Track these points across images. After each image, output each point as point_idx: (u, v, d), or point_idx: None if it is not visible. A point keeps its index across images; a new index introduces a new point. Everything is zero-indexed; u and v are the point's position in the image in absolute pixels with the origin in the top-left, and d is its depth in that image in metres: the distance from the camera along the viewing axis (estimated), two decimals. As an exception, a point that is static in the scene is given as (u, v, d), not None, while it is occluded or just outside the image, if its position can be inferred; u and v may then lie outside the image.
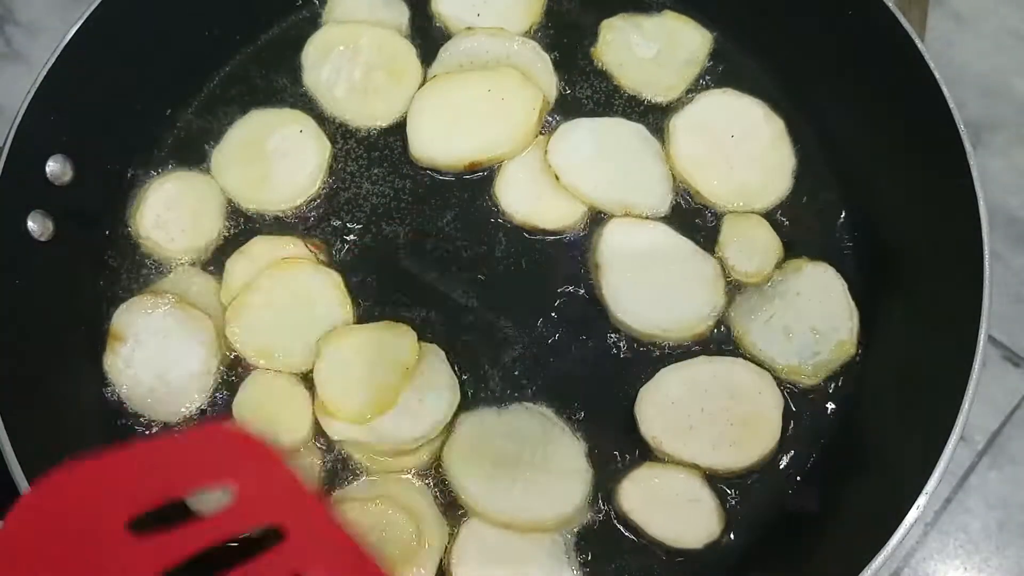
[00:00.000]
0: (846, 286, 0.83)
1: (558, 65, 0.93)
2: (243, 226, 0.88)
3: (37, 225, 0.80)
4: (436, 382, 0.80)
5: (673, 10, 0.95)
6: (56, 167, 0.82)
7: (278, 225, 0.88)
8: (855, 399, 0.81)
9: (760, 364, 0.81)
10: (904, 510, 0.66)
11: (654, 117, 0.91)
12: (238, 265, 0.85)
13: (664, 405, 0.79)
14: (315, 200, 0.89)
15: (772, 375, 0.80)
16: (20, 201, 0.79)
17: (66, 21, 0.82)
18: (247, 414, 0.80)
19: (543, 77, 0.91)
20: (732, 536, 0.77)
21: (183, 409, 0.81)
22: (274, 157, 0.89)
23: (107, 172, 0.89)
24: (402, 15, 0.96)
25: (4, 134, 0.78)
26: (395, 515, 0.76)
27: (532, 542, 0.76)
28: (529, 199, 0.87)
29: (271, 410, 0.80)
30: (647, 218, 0.86)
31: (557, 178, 0.86)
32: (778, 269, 0.84)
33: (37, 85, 0.79)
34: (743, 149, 0.88)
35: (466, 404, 0.80)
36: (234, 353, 0.82)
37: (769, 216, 0.87)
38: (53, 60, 0.80)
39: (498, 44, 0.92)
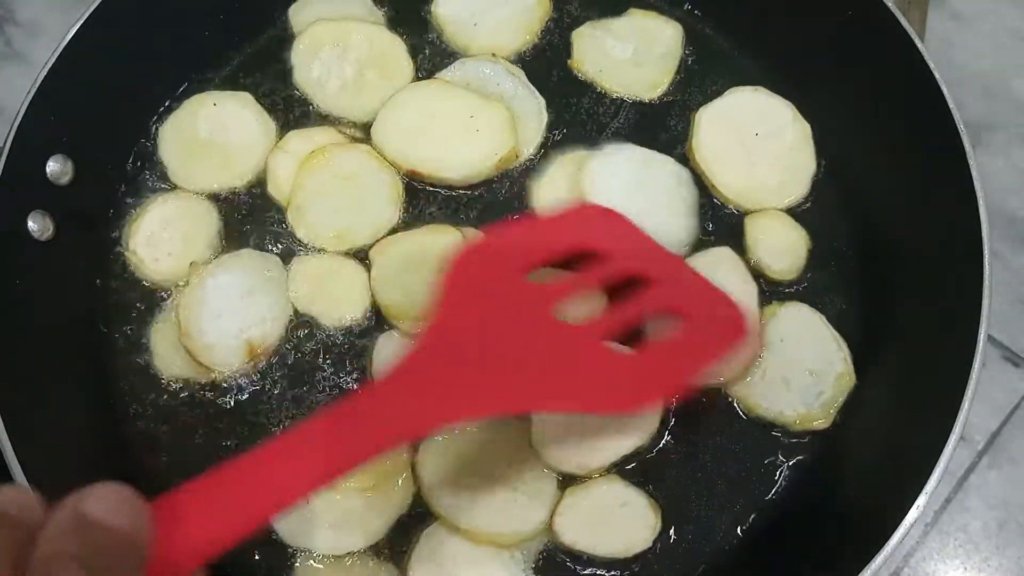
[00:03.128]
0: (824, 318, 0.82)
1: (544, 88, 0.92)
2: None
3: (37, 225, 0.80)
4: None
5: (637, 7, 0.95)
6: (56, 167, 0.82)
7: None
8: (855, 398, 0.81)
9: (771, 423, 0.80)
10: (904, 510, 0.66)
11: (652, 115, 0.92)
12: (280, 162, 0.88)
13: (554, 427, 0.78)
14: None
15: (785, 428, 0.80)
16: (20, 201, 0.79)
17: (66, 21, 0.82)
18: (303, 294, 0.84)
19: (532, 121, 0.90)
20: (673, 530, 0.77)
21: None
22: (214, 139, 0.90)
23: (107, 172, 0.89)
24: (363, 5, 0.96)
25: (4, 134, 0.78)
26: None
27: (490, 555, 0.76)
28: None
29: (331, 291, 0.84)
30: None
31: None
32: None
33: (37, 85, 0.79)
34: (766, 148, 0.88)
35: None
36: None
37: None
38: (53, 60, 0.80)
39: (499, 73, 0.91)
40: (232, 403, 0.82)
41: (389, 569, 0.76)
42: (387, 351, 0.81)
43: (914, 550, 0.87)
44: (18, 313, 0.77)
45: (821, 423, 0.79)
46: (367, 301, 0.84)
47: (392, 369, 0.62)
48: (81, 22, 0.82)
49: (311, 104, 0.92)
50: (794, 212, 0.87)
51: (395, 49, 0.93)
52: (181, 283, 0.85)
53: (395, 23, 0.96)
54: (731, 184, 0.87)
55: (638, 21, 0.95)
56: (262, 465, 0.53)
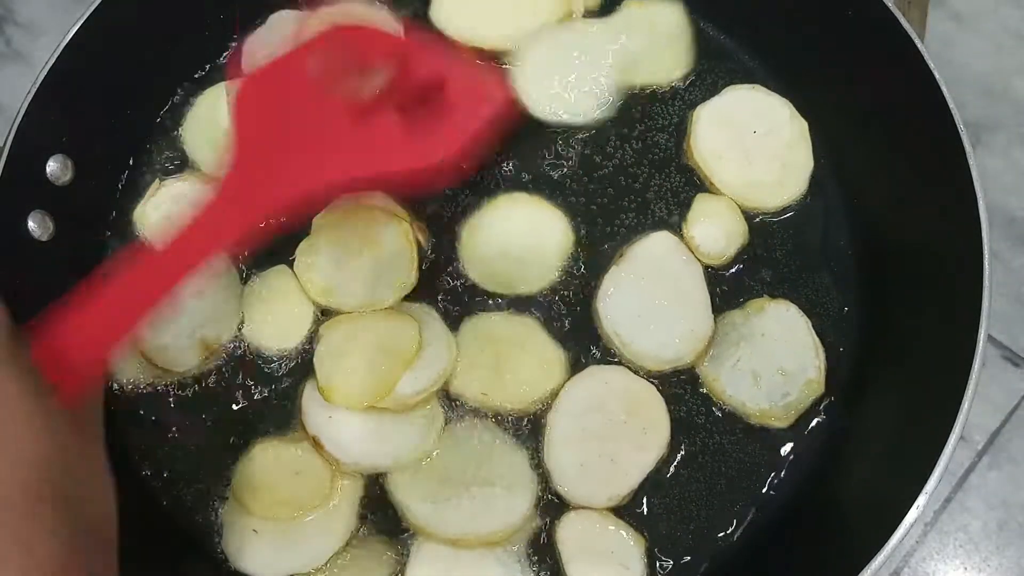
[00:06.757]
0: (809, 323, 0.82)
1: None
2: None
3: (37, 225, 0.80)
4: (432, 337, 0.81)
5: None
6: (56, 167, 0.82)
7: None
8: (855, 398, 0.81)
9: (732, 409, 0.81)
10: (904, 510, 0.66)
11: (651, 113, 0.92)
12: None
13: (568, 455, 0.78)
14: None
15: (744, 414, 0.81)
16: (20, 201, 0.79)
17: (66, 21, 0.82)
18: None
19: None
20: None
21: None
22: None
23: (107, 172, 0.89)
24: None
25: (4, 134, 0.78)
26: (313, 459, 0.78)
27: (482, 553, 0.76)
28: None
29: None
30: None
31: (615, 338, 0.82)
32: (740, 311, 0.83)
33: (37, 85, 0.79)
34: (763, 146, 0.88)
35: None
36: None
37: (775, 215, 0.87)
38: (53, 60, 0.80)
39: None
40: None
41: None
42: (315, 401, 0.80)
43: (914, 550, 0.87)
44: (17, 313, 0.77)
45: (777, 423, 0.80)
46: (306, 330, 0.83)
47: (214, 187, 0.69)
48: (81, 22, 0.82)
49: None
50: (792, 210, 0.88)
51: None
52: None
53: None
54: (729, 182, 0.87)
55: (635, 12, 0.93)
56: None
